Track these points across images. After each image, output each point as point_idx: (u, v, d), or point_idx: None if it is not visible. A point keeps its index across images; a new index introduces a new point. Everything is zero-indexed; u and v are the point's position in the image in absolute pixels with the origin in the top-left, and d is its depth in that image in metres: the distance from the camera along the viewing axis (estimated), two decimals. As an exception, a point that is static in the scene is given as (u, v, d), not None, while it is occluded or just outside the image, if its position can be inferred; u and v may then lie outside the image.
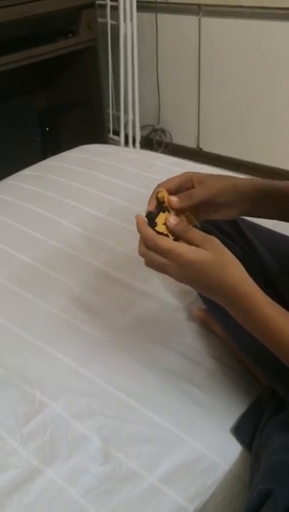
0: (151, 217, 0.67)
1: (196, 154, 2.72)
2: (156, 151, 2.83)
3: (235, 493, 0.71)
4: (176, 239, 0.64)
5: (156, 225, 0.66)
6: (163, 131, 2.84)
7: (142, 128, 2.78)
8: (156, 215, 0.67)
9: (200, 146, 2.74)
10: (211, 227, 0.90)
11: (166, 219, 0.66)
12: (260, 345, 0.65)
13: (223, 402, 0.80)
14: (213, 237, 0.64)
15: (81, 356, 0.88)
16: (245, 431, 0.76)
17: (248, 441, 0.74)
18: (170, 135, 2.83)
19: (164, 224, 0.66)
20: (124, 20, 2.42)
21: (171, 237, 0.65)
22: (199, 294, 0.89)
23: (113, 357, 0.87)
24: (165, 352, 0.87)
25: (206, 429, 0.76)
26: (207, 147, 2.71)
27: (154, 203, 0.71)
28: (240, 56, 2.34)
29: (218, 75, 2.47)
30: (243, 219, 0.93)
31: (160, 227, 0.65)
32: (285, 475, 0.63)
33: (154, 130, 2.86)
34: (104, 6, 2.46)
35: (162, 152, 2.83)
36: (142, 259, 0.66)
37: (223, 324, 0.85)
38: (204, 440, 0.75)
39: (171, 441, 0.74)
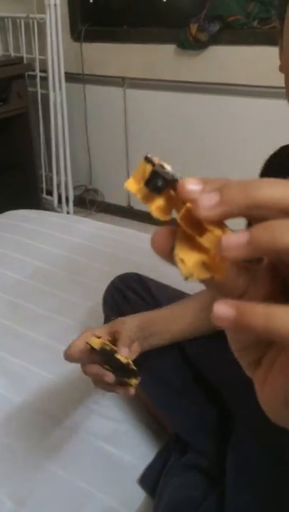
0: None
1: (127, 212, 2.86)
2: (90, 209, 2.95)
3: None
4: None
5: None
6: (95, 190, 2.97)
7: (74, 188, 2.89)
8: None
9: (131, 205, 2.88)
10: (122, 287, 0.99)
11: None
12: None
13: (131, 454, 0.86)
14: None
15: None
16: (150, 479, 0.82)
17: (152, 489, 0.80)
18: (102, 194, 2.95)
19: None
20: (54, 90, 2.56)
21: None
22: None
23: (28, 417, 0.91)
24: (80, 410, 0.93)
25: (116, 482, 0.81)
26: (137, 205, 2.85)
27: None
28: (163, 122, 2.53)
29: (144, 139, 2.65)
30: (151, 279, 1.02)
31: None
32: (184, 509, 0.70)
33: (87, 190, 2.98)
34: (34, 77, 2.61)
35: (95, 211, 2.94)
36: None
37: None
38: (114, 494, 0.79)
39: (82, 498, 0.78)
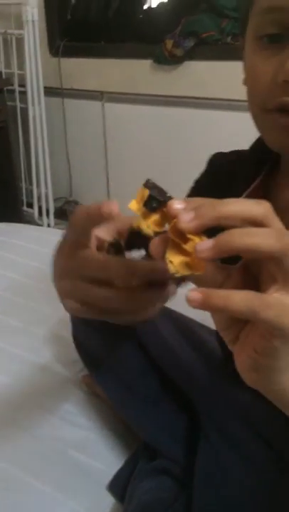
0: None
1: (107, 224, 2.88)
2: (70, 221, 2.97)
3: None
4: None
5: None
6: (76, 202, 2.99)
7: (55, 200, 2.91)
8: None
9: (111, 216, 2.90)
10: None
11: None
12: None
13: (101, 462, 0.87)
14: None
15: None
16: (119, 485, 0.83)
17: (121, 494, 0.82)
18: (83, 206, 2.98)
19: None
20: (33, 104, 2.59)
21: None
22: (88, 366, 0.94)
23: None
24: (49, 418, 0.94)
25: (85, 489, 0.83)
26: (118, 217, 2.88)
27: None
28: (141, 134, 2.58)
29: (124, 151, 2.69)
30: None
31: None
32: (154, 511, 0.72)
33: (67, 202, 3.00)
34: (13, 91, 2.64)
35: (76, 222, 2.96)
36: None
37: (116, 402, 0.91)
38: (82, 499, 0.81)
39: (52, 506, 0.80)
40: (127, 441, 0.91)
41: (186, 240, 0.36)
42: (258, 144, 0.69)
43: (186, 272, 0.36)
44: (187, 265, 0.36)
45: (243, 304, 0.33)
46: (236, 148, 0.78)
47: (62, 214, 3.00)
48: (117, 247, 0.47)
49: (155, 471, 0.81)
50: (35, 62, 2.50)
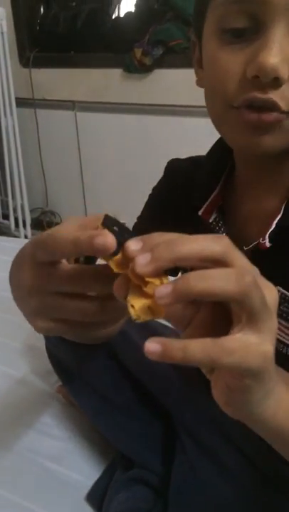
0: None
1: (85, 232, 2.88)
2: (47, 231, 2.96)
3: None
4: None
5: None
6: (52, 212, 2.99)
7: (31, 211, 2.90)
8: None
9: (88, 225, 2.91)
10: None
11: None
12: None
13: (78, 473, 0.87)
14: None
15: None
16: (97, 496, 0.83)
17: (99, 505, 0.82)
18: (60, 216, 2.97)
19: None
20: (5, 116, 2.59)
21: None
22: (61, 377, 0.91)
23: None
24: (26, 431, 0.94)
25: (62, 500, 0.83)
26: (95, 225, 2.88)
27: None
28: (114, 143, 2.59)
29: (98, 160, 2.70)
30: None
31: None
32: None
33: (44, 212, 3.00)
34: (-15, 103, 2.63)
35: (53, 232, 2.95)
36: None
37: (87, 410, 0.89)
38: (60, 512, 0.81)
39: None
40: (104, 451, 0.91)
41: (146, 282, 0.34)
42: (215, 151, 0.70)
43: (147, 318, 0.34)
44: (149, 309, 0.35)
45: (201, 354, 0.32)
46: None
47: (38, 224, 2.99)
48: (87, 256, 0.43)
49: (132, 481, 0.81)
50: (6, 73, 2.49)
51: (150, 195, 0.82)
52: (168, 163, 0.82)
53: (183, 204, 0.72)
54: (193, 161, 0.78)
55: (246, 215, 0.64)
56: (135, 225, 0.84)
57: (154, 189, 0.82)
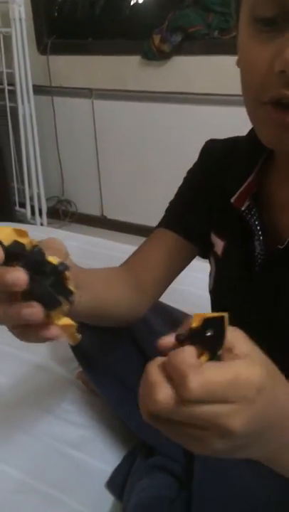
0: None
1: (101, 222, 2.88)
2: (63, 220, 2.96)
3: None
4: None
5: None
6: (68, 201, 2.98)
7: (47, 200, 2.90)
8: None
9: (104, 214, 2.90)
10: None
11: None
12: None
13: (99, 459, 0.87)
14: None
15: None
16: (117, 483, 0.83)
17: (119, 492, 0.81)
18: (75, 205, 2.97)
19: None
20: (22, 103, 2.58)
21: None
22: (83, 365, 0.91)
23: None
24: (46, 417, 0.94)
25: (83, 487, 0.83)
26: (111, 215, 2.88)
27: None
28: (131, 131, 2.57)
29: (114, 149, 2.68)
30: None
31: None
32: (154, 509, 0.71)
33: (60, 201, 3.00)
34: (2, 90, 2.62)
35: (69, 221, 2.96)
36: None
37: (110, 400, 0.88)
38: (81, 498, 0.81)
39: (50, 505, 0.80)
40: (124, 438, 0.91)
41: None
42: (254, 135, 0.68)
43: None
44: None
45: None
46: None
47: (54, 213, 2.99)
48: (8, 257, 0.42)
49: (154, 468, 0.80)
50: (24, 61, 2.49)
51: (184, 179, 0.80)
52: (204, 144, 0.79)
53: (217, 188, 0.70)
54: (232, 141, 0.74)
55: (283, 203, 0.62)
56: (167, 210, 0.82)
57: (189, 172, 0.80)
